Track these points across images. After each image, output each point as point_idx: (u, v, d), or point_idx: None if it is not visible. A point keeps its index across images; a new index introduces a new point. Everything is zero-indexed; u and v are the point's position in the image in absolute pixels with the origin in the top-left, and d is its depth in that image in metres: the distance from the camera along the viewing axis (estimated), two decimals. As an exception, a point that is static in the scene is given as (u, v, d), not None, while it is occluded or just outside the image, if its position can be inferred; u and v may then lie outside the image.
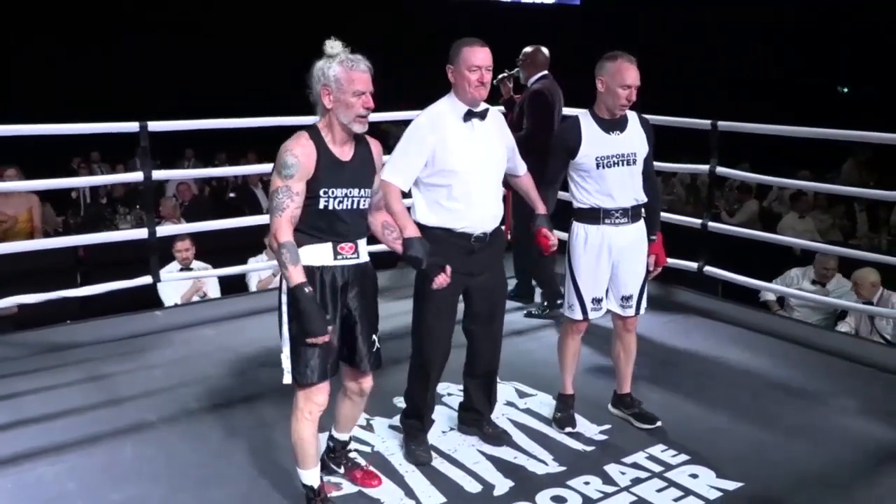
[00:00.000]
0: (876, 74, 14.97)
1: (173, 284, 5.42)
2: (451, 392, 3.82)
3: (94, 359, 4.28)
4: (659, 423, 3.54)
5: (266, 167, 8.00)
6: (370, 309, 2.83)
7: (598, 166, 3.29)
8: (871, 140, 4.61)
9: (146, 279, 4.64)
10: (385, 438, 3.47)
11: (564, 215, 3.50)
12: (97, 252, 5.83)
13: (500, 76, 5.00)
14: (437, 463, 3.26)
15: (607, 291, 3.46)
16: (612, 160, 3.29)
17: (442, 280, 2.91)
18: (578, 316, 3.45)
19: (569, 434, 3.50)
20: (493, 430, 3.45)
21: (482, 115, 3.12)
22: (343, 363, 2.84)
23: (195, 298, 5.56)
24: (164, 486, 3.09)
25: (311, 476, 2.85)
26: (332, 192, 2.64)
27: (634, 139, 3.34)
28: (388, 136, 8.03)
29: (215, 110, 5.00)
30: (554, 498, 3.03)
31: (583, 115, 3.36)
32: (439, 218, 3.10)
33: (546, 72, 4.98)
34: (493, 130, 3.17)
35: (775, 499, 3.06)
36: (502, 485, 3.11)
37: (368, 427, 3.56)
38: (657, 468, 3.23)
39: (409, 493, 3.06)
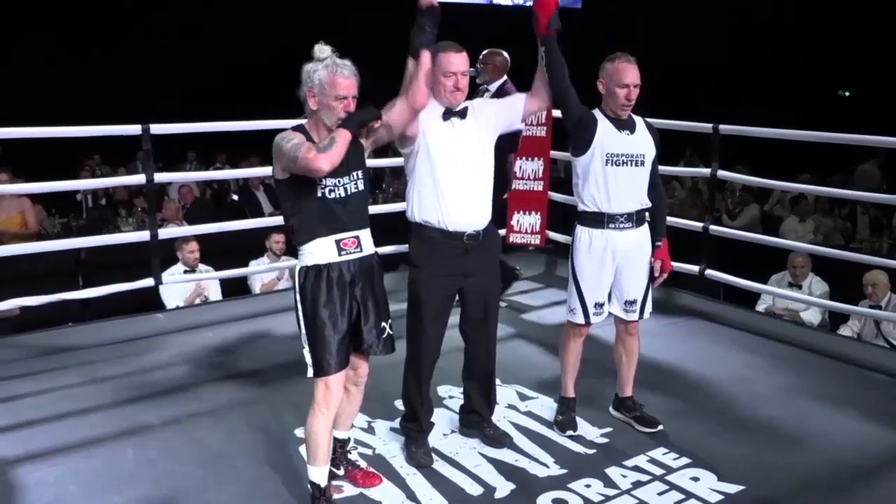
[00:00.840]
0: (876, 78, 14.97)
1: (175, 288, 5.42)
2: (452, 395, 3.82)
3: (95, 361, 4.28)
4: (660, 427, 3.54)
5: (266, 170, 8.04)
6: (378, 297, 2.89)
7: (606, 163, 3.28)
8: (872, 144, 4.61)
9: (148, 282, 4.64)
10: (387, 441, 3.47)
11: (569, 219, 3.50)
12: (99, 254, 5.84)
13: None
14: (439, 465, 3.26)
15: (610, 296, 3.46)
16: (621, 158, 3.29)
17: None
18: (580, 320, 3.45)
19: (570, 437, 3.50)
20: (494, 432, 3.45)
21: (462, 114, 3.14)
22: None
23: (197, 301, 5.56)
24: (166, 489, 3.09)
25: (319, 474, 2.87)
26: (324, 181, 2.71)
27: (643, 142, 3.35)
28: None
29: (217, 112, 5.00)
30: (555, 501, 3.03)
31: (596, 111, 3.37)
32: (429, 216, 3.13)
33: (506, 77, 4.88)
34: (473, 127, 3.17)
35: (776, 502, 3.05)
36: (503, 487, 3.11)
37: (370, 430, 3.56)
38: (658, 471, 3.23)
39: (411, 495, 3.06)
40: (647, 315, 3.52)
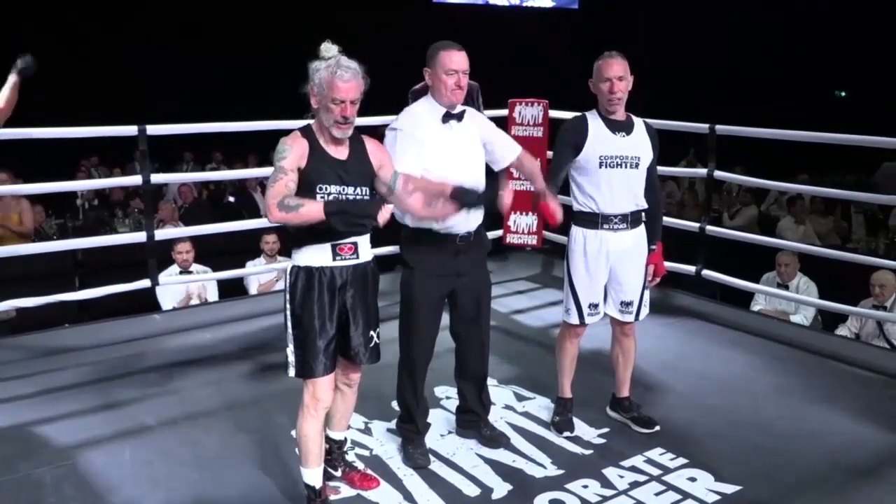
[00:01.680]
0: (873, 79, 14.99)
1: (171, 289, 5.41)
2: (448, 395, 3.82)
3: (92, 362, 4.27)
4: (657, 427, 3.54)
5: (264, 171, 8.03)
6: (368, 305, 2.85)
7: (600, 165, 3.29)
8: (869, 144, 4.61)
9: (144, 283, 4.63)
10: (383, 442, 3.46)
11: (565, 219, 3.50)
12: (96, 256, 5.83)
13: None
14: (436, 466, 3.26)
15: (606, 297, 3.47)
16: (615, 160, 3.29)
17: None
18: (575, 321, 3.45)
19: (567, 438, 3.50)
20: (491, 432, 3.45)
21: (459, 117, 3.14)
22: (339, 356, 2.87)
23: (194, 302, 5.56)
24: (163, 490, 3.09)
25: (313, 476, 2.86)
26: (326, 189, 2.67)
27: (640, 144, 3.34)
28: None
29: (214, 113, 4.99)
30: (552, 501, 3.03)
31: (590, 114, 3.37)
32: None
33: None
34: (470, 131, 3.18)
35: (774, 502, 3.06)
36: (501, 488, 3.11)
37: (367, 430, 3.56)
38: (655, 472, 3.23)
39: (408, 496, 3.06)
40: (643, 316, 3.52)
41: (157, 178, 4.93)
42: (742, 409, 3.79)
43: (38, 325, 4.68)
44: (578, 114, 3.42)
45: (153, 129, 4.47)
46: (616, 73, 3.24)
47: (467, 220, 3.13)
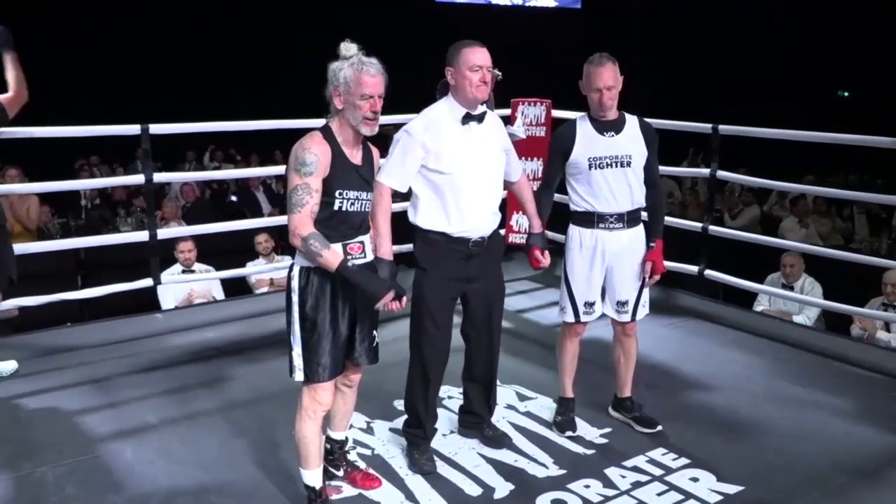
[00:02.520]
0: (876, 79, 14.98)
1: (171, 288, 5.41)
2: (451, 395, 3.81)
3: (94, 361, 4.28)
4: (659, 427, 3.53)
5: (266, 170, 8.06)
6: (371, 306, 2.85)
7: (590, 167, 3.29)
8: (872, 144, 4.60)
9: (147, 282, 4.64)
10: (385, 441, 3.46)
11: (562, 218, 3.50)
12: (98, 255, 5.84)
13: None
14: (437, 466, 3.25)
15: (604, 296, 3.46)
16: (604, 161, 3.29)
17: (394, 306, 2.78)
18: (571, 319, 3.45)
19: (569, 437, 3.50)
20: (493, 433, 3.45)
21: (480, 118, 3.11)
22: None
23: (198, 301, 5.56)
24: (165, 489, 3.08)
25: (313, 477, 2.85)
26: (346, 194, 2.69)
27: (630, 141, 3.33)
28: (388, 139, 8.00)
29: (214, 113, 5.00)
30: (554, 501, 3.03)
31: (580, 117, 3.38)
32: (436, 222, 3.09)
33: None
34: (490, 133, 3.16)
35: (776, 503, 3.05)
36: (503, 488, 3.11)
37: (369, 430, 3.55)
38: (658, 472, 3.23)
39: (410, 496, 3.05)
40: (640, 316, 3.51)
41: (159, 177, 4.94)
42: (744, 410, 3.79)
43: (41, 324, 4.68)
44: (581, 114, 3.42)
45: (156, 129, 4.47)
46: (606, 84, 3.23)
47: (482, 225, 3.12)
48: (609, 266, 3.40)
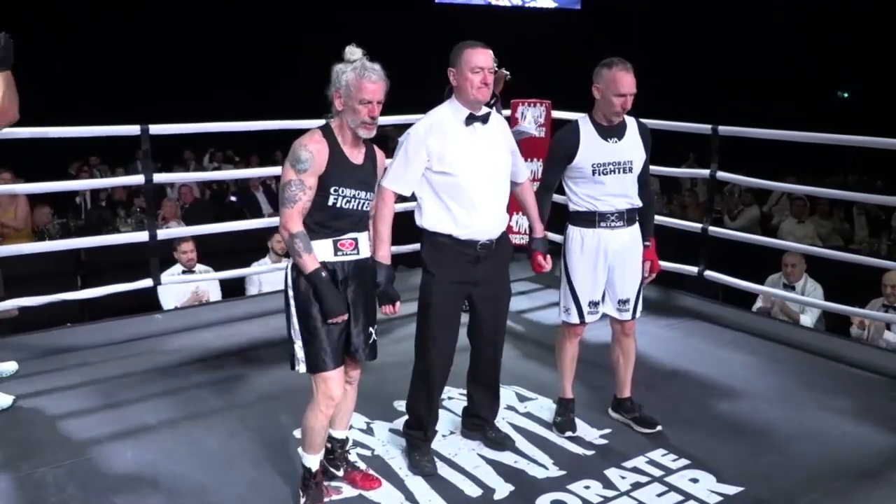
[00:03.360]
0: (875, 80, 14.98)
1: (173, 289, 5.41)
2: (451, 396, 3.81)
3: (93, 362, 4.28)
4: (659, 428, 3.54)
5: (266, 171, 8.07)
6: (369, 301, 2.90)
7: (594, 173, 3.29)
8: (872, 145, 4.60)
9: (147, 282, 4.64)
10: (385, 442, 3.46)
11: (560, 219, 3.50)
12: (98, 255, 5.84)
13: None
14: (437, 467, 3.25)
15: (604, 295, 3.47)
16: (608, 167, 3.29)
17: (387, 310, 2.93)
18: (575, 320, 3.45)
19: (569, 438, 3.50)
20: (496, 434, 3.44)
21: (484, 119, 3.10)
22: None
23: (198, 302, 5.56)
24: (164, 491, 3.09)
25: (312, 460, 2.91)
26: (343, 192, 2.74)
27: (632, 147, 3.34)
28: (388, 139, 8.00)
29: (214, 113, 5.00)
30: (554, 502, 3.03)
31: (582, 119, 3.37)
32: (443, 224, 3.08)
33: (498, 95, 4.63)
34: (495, 134, 3.15)
35: (776, 503, 3.05)
36: (502, 489, 3.11)
37: (369, 430, 3.55)
38: (657, 472, 3.23)
39: (409, 496, 3.06)
40: (639, 314, 3.52)
41: (159, 177, 4.94)
42: (744, 410, 3.79)
43: (41, 325, 4.67)
44: (581, 114, 3.41)
45: (156, 129, 4.47)
46: (630, 89, 3.22)
47: (490, 227, 3.11)
48: (611, 265, 3.41)
